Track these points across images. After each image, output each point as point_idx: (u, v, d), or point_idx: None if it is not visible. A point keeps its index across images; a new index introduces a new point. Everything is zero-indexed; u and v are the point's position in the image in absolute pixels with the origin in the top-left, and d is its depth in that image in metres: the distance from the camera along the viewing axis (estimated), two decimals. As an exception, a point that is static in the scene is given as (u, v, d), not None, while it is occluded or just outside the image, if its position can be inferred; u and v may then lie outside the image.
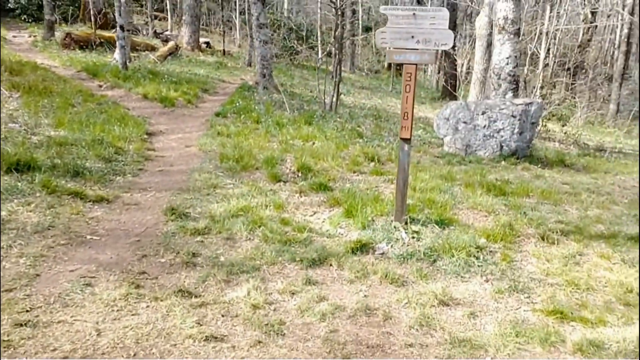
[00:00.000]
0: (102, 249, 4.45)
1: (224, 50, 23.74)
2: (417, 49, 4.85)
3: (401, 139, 5.11)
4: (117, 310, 3.53)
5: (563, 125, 13.04)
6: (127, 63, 13.92)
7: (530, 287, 4.31)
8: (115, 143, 7.30)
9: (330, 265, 4.49)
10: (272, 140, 8.59)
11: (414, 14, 4.79)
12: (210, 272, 4.17)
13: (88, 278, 3.91)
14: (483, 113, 8.67)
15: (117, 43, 13.45)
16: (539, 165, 8.63)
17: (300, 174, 6.74)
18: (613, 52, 36.69)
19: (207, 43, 24.93)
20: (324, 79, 13.32)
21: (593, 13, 27.10)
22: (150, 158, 7.26)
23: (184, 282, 4.02)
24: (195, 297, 3.81)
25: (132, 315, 3.50)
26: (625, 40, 23.76)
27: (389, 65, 27.87)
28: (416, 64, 4.89)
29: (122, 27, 13.15)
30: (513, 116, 8.55)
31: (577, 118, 16.31)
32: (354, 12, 28.16)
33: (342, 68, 16.30)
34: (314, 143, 8.51)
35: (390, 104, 17.34)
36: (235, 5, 29.88)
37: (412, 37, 4.83)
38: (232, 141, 8.08)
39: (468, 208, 5.97)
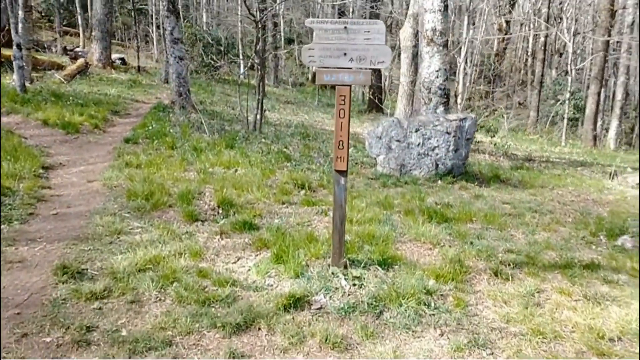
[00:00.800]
0: (-32, 328, 3.50)
1: (138, 66, 22.44)
2: (351, 68, 4.17)
3: (336, 171, 4.42)
4: None
5: (492, 137, 12.91)
6: (27, 85, 12.57)
7: (492, 339, 3.73)
8: (2, 182, 6.22)
9: (259, 329, 3.72)
10: (189, 169, 7.68)
11: (345, 27, 4.11)
12: (108, 353, 3.30)
13: (-60, 379, 2.98)
14: (417, 130, 8.17)
15: (14, 63, 12.08)
16: (476, 183, 8.25)
17: (221, 210, 5.90)
18: (526, 60, 38.11)
19: (122, 59, 23.58)
20: (246, 94, 12.51)
21: (507, 22, 27.87)
22: (45, 198, 6.18)
23: (73, 371, 3.15)
24: (86, 393, 2.96)
25: None
26: (542, 47, 24.41)
27: (314, 77, 27.41)
28: (350, 85, 4.22)
29: (19, 46, 11.81)
30: (447, 133, 8.11)
31: (503, 129, 16.38)
32: (275, 24, 27.60)
33: (266, 82, 15.59)
34: (236, 170, 7.69)
35: (317, 119, 16.73)
36: (152, 19, 28.62)
37: (345, 54, 4.14)
38: (143, 173, 7.10)
39: (411, 240, 5.40)
